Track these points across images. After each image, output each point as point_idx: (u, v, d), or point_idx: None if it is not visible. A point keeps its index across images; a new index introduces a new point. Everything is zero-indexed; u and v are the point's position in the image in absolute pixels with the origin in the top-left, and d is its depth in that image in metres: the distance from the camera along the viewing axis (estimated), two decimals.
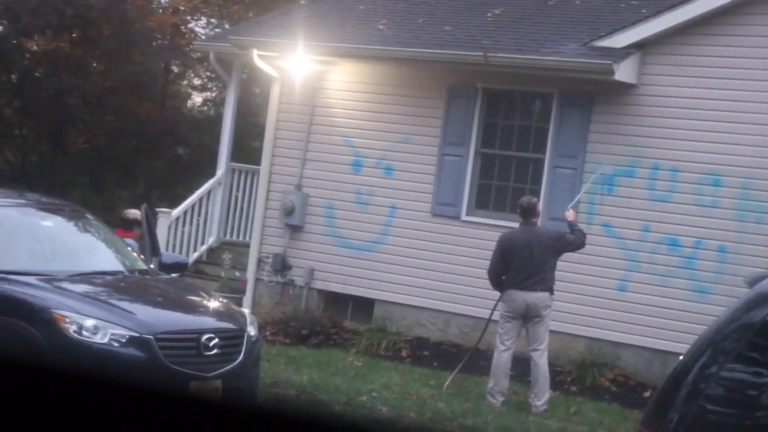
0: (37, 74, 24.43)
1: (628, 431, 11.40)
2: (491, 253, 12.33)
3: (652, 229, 13.89)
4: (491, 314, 12.63)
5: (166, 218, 17.02)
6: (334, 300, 16.16)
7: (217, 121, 22.48)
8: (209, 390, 9.49)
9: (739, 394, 5.33)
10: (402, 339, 15.14)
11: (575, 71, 14.14)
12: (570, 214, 12.52)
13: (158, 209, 17.47)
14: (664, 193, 13.87)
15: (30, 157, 26.46)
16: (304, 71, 16.12)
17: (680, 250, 13.71)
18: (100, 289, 10.14)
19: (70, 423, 2.24)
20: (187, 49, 25.27)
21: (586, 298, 14.15)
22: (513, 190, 14.84)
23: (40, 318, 9.31)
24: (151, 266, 11.04)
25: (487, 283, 12.52)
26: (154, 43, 25.33)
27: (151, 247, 11.31)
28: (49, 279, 9.83)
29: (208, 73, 28.81)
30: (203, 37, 25.43)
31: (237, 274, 17.06)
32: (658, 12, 14.02)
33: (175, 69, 28.89)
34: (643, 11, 14.45)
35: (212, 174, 18.26)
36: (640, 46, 14.03)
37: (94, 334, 9.26)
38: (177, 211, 17.23)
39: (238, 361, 9.78)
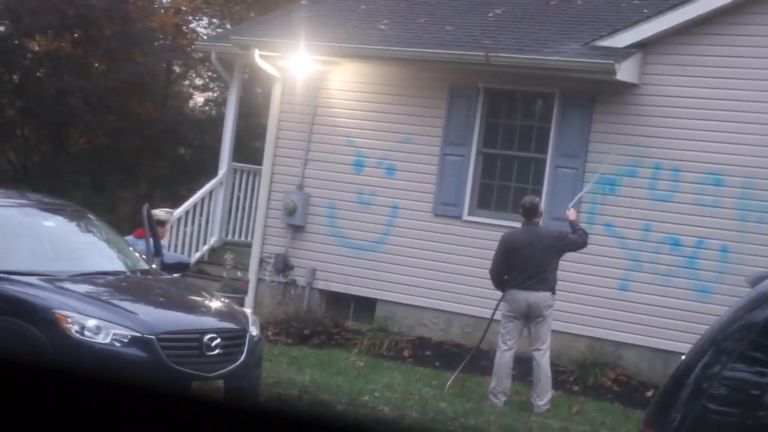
0: (38, 74, 24.45)
1: (630, 431, 11.40)
2: (493, 252, 12.33)
3: (654, 229, 13.89)
4: (493, 314, 12.63)
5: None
6: (336, 300, 16.16)
7: (218, 121, 22.47)
8: (211, 390, 9.49)
9: (741, 393, 5.33)
10: (404, 339, 15.14)
11: (577, 71, 14.14)
12: (571, 214, 12.51)
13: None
14: (666, 192, 13.86)
15: (32, 158, 26.47)
16: (305, 71, 16.12)
17: (682, 250, 13.71)
18: (102, 289, 10.14)
19: (72, 423, 2.24)
20: (189, 49, 25.29)
21: (588, 297, 14.15)
22: (515, 190, 14.84)
23: (42, 318, 9.31)
24: (153, 266, 11.04)
25: (488, 282, 12.52)
26: (155, 43, 25.34)
27: (153, 248, 11.31)
28: (51, 279, 9.83)
29: (209, 73, 28.81)
30: (205, 37, 25.43)
31: (239, 274, 17.06)
32: (659, 12, 14.01)
33: (177, 69, 28.89)
34: (645, 11, 14.44)
35: (214, 174, 18.26)
36: (642, 46, 14.02)
37: (96, 334, 9.26)
38: (179, 211, 17.23)
39: (240, 361, 9.78)
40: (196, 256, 17.47)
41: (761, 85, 13.36)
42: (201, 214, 17.83)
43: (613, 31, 14.23)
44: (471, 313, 14.79)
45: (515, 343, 12.07)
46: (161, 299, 10.50)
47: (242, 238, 18.21)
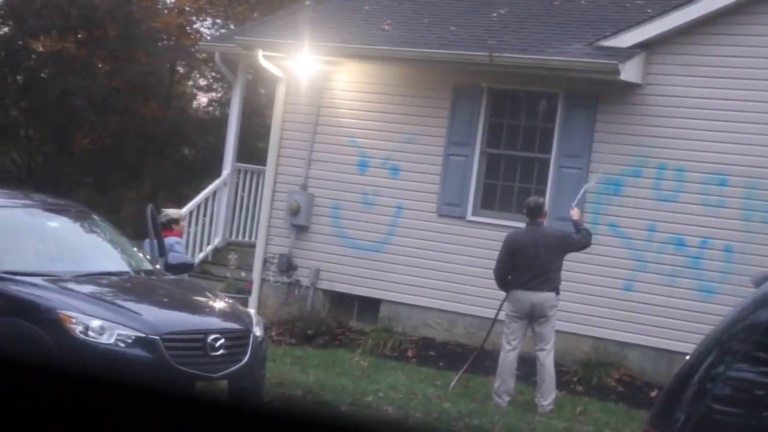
0: (42, 75, 24.47)
1: (634, 431, 11.40)
2: (497, 253, 12.33)
3: (659, 229, 13.88)
4: (497, 314, 12.63)
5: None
6: (340, 300, 16.16)
7: (222, 122, 22.49)
8: (215, 390, 9.49)
9: (746, 393, 5.32)
10: (408, 339, 15.13)
11: (581, 71, 14.13)
12: (575, 213, 12.49)
13: (164, 210, 17.46)
14: (670, 192, 13.85)
15: (36, 158, 26.50)
16: (309, 71, 16.12)
17: (686, 250, 13.70)
18: (106, 289, 10.15)
19: (76, 423, 2.24)
20: (193, 49, 25.30)
21: (592, 297, 14.14)
22: (518, 190, 14.84)
23: (47, 318, 9.32)
24: (157, 267, 11.05)
25: (492, 283, 12.51)
26: (159, 44, 25.35)
27: (156, 248, 11.31)
28: (55, 280, 9.83)
29: (213, 74, 28.84)
30: (208, 38, 25.46)
31: (243, 274, 17.06)
32: (663, 12, 14.00)
33: (181, 69, 28.93)
34: (649, 11, 14.43)
35: (218, 174, 18.26)
36: (646, 46, 14.02)
37: (101, 334, 9.26)
38: (183, 212, 17.19)
39: (244, 361, 9.78)
40: (200, 257, 17.48)
41: (766, 85, 13.34)
42: (205, 215, 17.83)
43: (617, 31, 14.22)
44: (475, 313, 14.79)
45: (519, 344, 12.06)
46: (165, 300, 10.51)
47: (246, 239, 18.21)
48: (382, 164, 15.83)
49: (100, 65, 25.32)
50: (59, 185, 24.38)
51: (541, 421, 11.54)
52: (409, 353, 14.88)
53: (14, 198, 11.75)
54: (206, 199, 17.83)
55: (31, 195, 13.55)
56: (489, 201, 15.21)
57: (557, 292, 12.00)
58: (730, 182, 13.47)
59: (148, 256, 11.24)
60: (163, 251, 11.37)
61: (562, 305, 12.49)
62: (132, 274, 10.76)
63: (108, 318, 9.37)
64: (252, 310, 12.01)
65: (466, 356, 13.87)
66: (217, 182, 18.00)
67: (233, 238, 18.21)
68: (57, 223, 11.21)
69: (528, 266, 11.89)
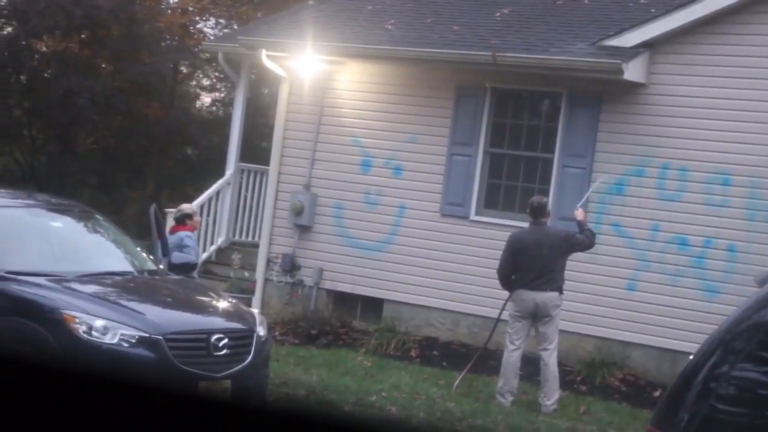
0: (46, 75, 24.48)
1: (637, 431, 11.39)
2: (500, 252, 12.32)
3: (662, 229, 13.87)
4: (500, 314, 12.63)
5: None
6: (343, 300, 16.16)
7: (225, 122, 22.50)
8: (218, 390, 9.49)
9: (749, 393, 5.32)
10: (411, 339, 15.13)
11: (584, 71, 14.12)
12: (579, 214, 12.49)
13: (167, 209, 17.47)
14: (674, 192, 13.84)
15: (39, 158, 26.51)
16: (312, 71, 16.12)
17: (690, 250, 13.69)
18: (109, 289, 10.15)
19: (79, 423, 2.24)
20: (196, 49, 25.29)
21: (596, 297, 14.14)
22: (522, 190, 14.83)
23: (50, 318, 9.32)
24: (161, 267, 11.05)
25: (496, 282, 12.51)
26: (162, 44, 25.35)
27: (160, 248, 11.32)
28: (59, 279, 9.84)
29: (216, 74, 28.85)
30: (212, 38, 25.46)
31: (246, 274, 17.07)
32: (667, 11, 14.00)
33: (184, 69, 28.93)
34: (652, 10, 14.43)
35: (221, 174, 18.26)
36: (649, 46, 14.01)
37: (104, 334, 9.26)
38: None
39: (247, 361, 9.79)
40: (203, 257, 17.47)
41: None
42: (208, 215, 17.83)
43: (621, 31, 14.21)
44: (478, 313, 14.79)
45: (523, 343, 12.06)
46: (169, 299, 10.51)
47: (249, 239, 18.21)
48: (385, 164, 15.83)
49: (103, 65, 25.33)
50: (62, 185, 24.39)
51: (544, 420, 11.54)
52: (413, 353, 14.88)
53: (18, 198, 11.77)
54: (209, 199, 17.84)
55: (35, 195, 13.57)
56: (492, 201, 15.21)
57: (561, 292, 11.99)
58: (733, 182, 13.46)
59: (154, 256, 11.24)
60: (166, 251, 11.38)
61: (566, 305, 12.48)
62: (135, 274, 10.76)
63: (111, 318, 9.37)
64: (255, 310, 12.01)
65: (469, 356, 13.86)
66: (220, 182, 18.01)
67: (236, 238, 18.22)
68: (60, 223, 11.22)
69: (531, 266, 11.89)
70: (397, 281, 15.58)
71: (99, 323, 9.28)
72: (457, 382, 12.77)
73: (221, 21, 28.11)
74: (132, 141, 25.93)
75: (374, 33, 16.04)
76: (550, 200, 13.91)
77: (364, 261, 15.86)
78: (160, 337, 9.33)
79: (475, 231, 15.10)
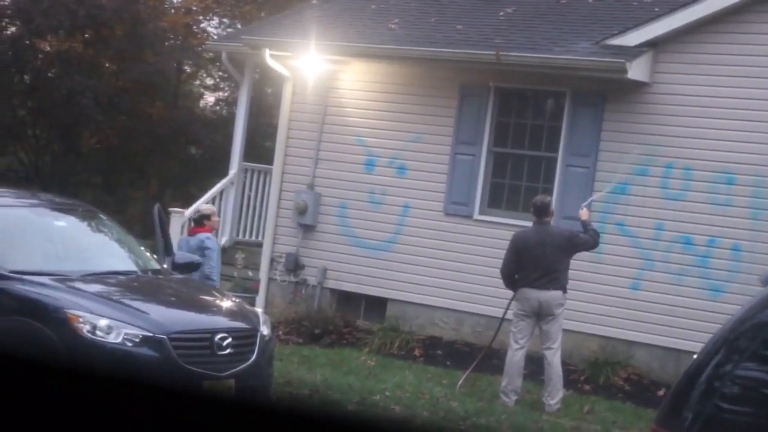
0: (49, 75, 24.50)
1: (641, 430, 11.38)
2: (504, 252, 12.32)
3: (666, 228, 13.86)
4: (504, 313, 12.62)
5: (179, 218, 17.02)
6: (347, 299, 16.16)
7: (229, 121, 22.49)
8: (223, 389, 9.49)
9: (753, 392, 5.31)
10: (415, 338, 15.13)
11: (588, 70, 14.11)
12: (584, 214, 12.48)
13: (171, 209, 17.48)
14: (678, 191, 13.83)
15: (43, 158, 26.53)
16: (316, 71, 16.12)
17: (694, 249, 13.68)
18: (113, 289, 10.15)
19: (83, 422, 2.24)
20: (200, 49, 25.31)
21: (600, 296, 14.13)
22: (526, 189, 14.83)
23: (54, 318, 9.32)
24: (164, 266, 11.06)
25: (500, 282, 12.51)
26: (166, 43, 25.36)
27: (164, 247, 11.33)
28: (63, 279, 9.84)
29: (220, 73, 28.86)
30: (215, 37, 25.47)
31: (250, 273, 17.07)
32: (670, 10, 13.99)
33: (188, 69, 28.94)
34: (656, 9, 14.42)
35: (225, 174, 18.27)
36: (653, 45, 14.00)
37: (108, 333, 9.27)
38: (190, 211, 17.23)
39: (251, 360, 9.79)
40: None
41: None
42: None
43: (624, 30, 14.21)
44: (482, 312, 14.78)
45: (526, 342, 12.06)
46: (172, 299, 10.51)
47: (253, 238, 18.21)
48: (389, 163, 15.83)
49: (107, 65, 25.36)
50: (66, 185, 24.41)
51: (548, 420, 11.54)
52: (416, 352, 14.88)
53: (21, 197, 11.78)
54: (213, 199, 17.83)
55: (39, 194, 13.57)
56: (496, 200, 15.20)
57: (564, 291, 11.99)
58: (737, 181, 13.45)
59: (157, 255, 11.23)
60: (170, 250, 11.38)
61: (570, 304, 12.48)
62: (139, 273, 10.76)
63: (115, 317, 9.37)
64: (259, 310, 12.02)
65: (473, 355, 13.86)
66: (224, 181, 18.01)
67: (240, 237, 18.22)
68: (64, 222, 11.22)
69: (535, 265, 11.89)
70: (400, 280, 15.58)
71: (103, 322, 9.28)
72: (460, 382, 12.77)
73: (225, 20, 28.12)
74: (135, 140, 25.94)
75: (378, 32, 16.04)
76: (554, 200, 13.90)
77: (367, 260, 15.86)
78: (164, 337, 9.34)
79: (479, 230, 15.09)
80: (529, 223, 12.55)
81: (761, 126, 13.36)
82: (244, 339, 9.89)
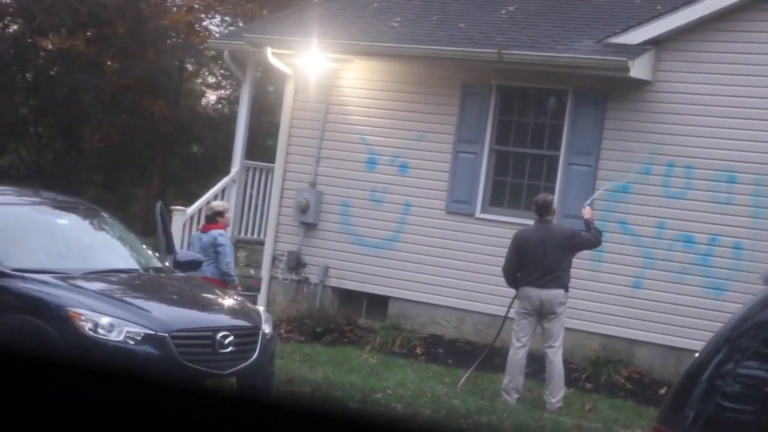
0: (51, 73, 24.51)
1: (643, 428, 11.38)
2: (506, 250, 12.32)
3: (667, 227, 13.86)
4: (507, 312, 12.62)
5: (181, 216, 17.03)
6: (349, 297, 16.16)
7: (231, 119, 22.50)
8: (224, 388, 9.49)
9: (755, 391, 5.31)
10: (416, 336, 15.13)
11: (590, 68, 14.11)
12: (587, 212, 12.47)
13: (173, 207, 17.49)
14: (679, 190, 13.83)
15: (45, 156, 26.55)
16: (318, 69, 16.12)
17: (695, 247, 13.68)
18: (115, 287, 10.16)
19: (85, 421, 2.24)
20: (202, 47, 25.32)
21: (601, 295, 14.13)
22: (527, 188, 14.82)
23: (56, 316, 9.33)
24: (166, 264, 11.06)
25: (501, 280, 12.51)
26: (168, 42, 25.38)
27: (165, 245, 11.33)
28: (65, 277, 9.84)
29: (222, 71, 28.86)
30: (217, 35, 25.47)
31: (252, 271, 17.08)
32: (673, 8, 13.98)
33: (190, 67, 28.95)
34: (658, 8, 14.41)
35: (227, 172, 18.27)
36: (656, 43, 14.00)
37: (110, 331, 9.27)
38: (192, 209, 17.25)
39: (253, 358, 9.79)
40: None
41: None
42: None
43: (627, 28, 14.20)
44: (484, 310, 14.79)
45: (528, 341, 12.05)
46: (174, 297, 10.52)
47: (255, 236, 18.22)
48: (390, 161, 15.83)
49: (109, 63, 25.36)
50: (68, 183, 24.43)
51: (549, 418, 11.54)
52: (418, 350, 14.88)
53: (23, 195, 11.79)
54: (215, 197, 17.82)
55: (41, 192, 13.58)
56: (498, 198, 15.20)
57: (566, 290, 11.99)
58: (739, 179, 13.45)
59: (159, 254, 11.23)
60: (171, 248, 11.39)
61: (571, 302, 12.47)
62: (141, 271, 10.77)
63: (117, 315, 9.38)
64: (261, 308, 12.03)
65: (474, 353, 13.87)
66: (225, 180, 18.01)
67: (242, 235, 18.22)
68: (66, 220, 11.23)
69: (536, 263, 11.88)
70: (402, 279, 15.58)
71: (105, 320, 9.29)
72: (462, 380, 12.77)
73: (227, 18, 28.12)
74: (137, 139, 25.95)
75: (380, 30, 16.04)
76: (556, 198, 13.90)
77: (369, 258, 15.86)
78: (166, 335, 9.34)
79: (481, 228, 15.09)
80: (531, 222, 12.54)
81: (763, 125, 13.35)
82: (246, 337, 9.89)
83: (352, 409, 10.91)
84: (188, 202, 18.38)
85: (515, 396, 12.03)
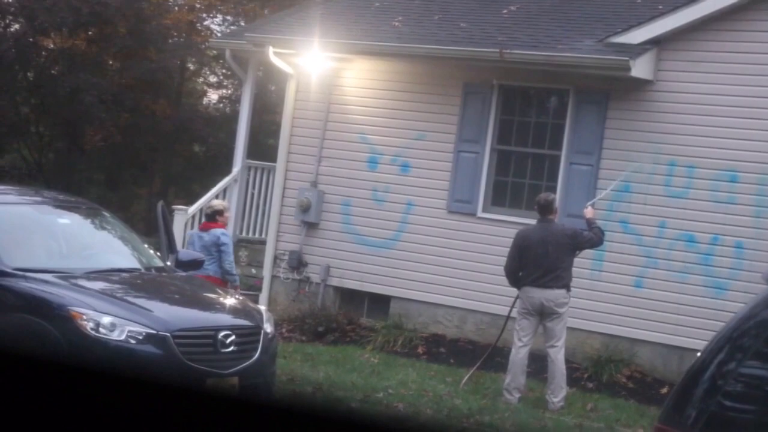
0: (53, 72, 24.53)
1: (645, 428, 11.38)
2: (507, 249, 12.32)
3: (669, 226, 13.86)
4: (509, 312, 12.62)
5: (182, 215, 17.04)
6: (350, 297, 16.17)
7: (232, 119, 22.51)
8: (226, 387, 9.49)
9: (757, 390, 5.31)
10: (418, 336, 15.13)
11: (591, 68, 14.11)
12: (589, 212, 12.48)
13: (174, 206, 17.49)
14: (681, 189, 13.83)
15: (47, 155, 26.56)
16: (319, 68, 16.12)
17: (697, 247, 13.68)
18: (116, 286, 10.16)
19: (86, 420, 2.24)
20: (203, 46, 25.34)
21: (603, 294, 14.12)
22: (529, 187, 14.82)
23: (58, 315, 9.33)
24: (168, 263, 11.06)
25: (503, 280, 12.51)
26: (169, 41, 25.39)
27: (167, 245, 11.33)
28: (66, 276, 9.84)
29: (223, 71, 28.87)
30: (219, 35, 25.47)
31: (253, 271, 17.08)
32: (674, 8, 13.98)
33: (191, 66, 28.96)
34: (660, 7, 14.41)
35: (228, 171, 18.27)
36: (657, 42, 13.99)
37: (111, 331, 9.27)
38: (193, 209, 17.25)
39: (254, 358, 9.79)
40: None
41: None
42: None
43: (628, 28, 14.20)
44: (485, 310, 14.79)
45: (530, 340, 12.05)
46: (176, 296, 10.51)
47: (256, 236, 18.22)
48: (392, 161, 15.83)
49: (110, 62, 25.39)
50: (70, 182, 24.44)
51: (551, 417, 11.54)
52: (420, 350, 14.88)
53: (25, 195, 11.79)
54: (216, 196, 17.82)
55: (42, 192, 13.59)
56: (499, 198, 15.20)
57: (568, 289, 11.98)
58: (740, 179, 13.44)
59: (161, 253, 11.23)
60: (173, 248, 11.38)
61: (573, 302, 12.47)
62: (143, 270, 10.77)
63: (119, 315, 9.38)
64: (262, 307, 12.02)
65: (476, 353, 13.87)
66: (227, 179, 18.01)
67: (243, 235, 18.22)
68: (68, 219, 11.23)
69: (537, 263, 11.88)
70: (404, 278, 15.58)
71: (106, 320, 9.29)
72: (464, 379, 12.77)
73: (228, 18, 28.13)
74: (139, 138, 25.97)
75: (382, 30, 16.04)
76: (558, 197, 13.90)
77: (371, 258, 15.86)
78: (168, 334, 9.34)
79: (482, 228, 15.09)
80: (533, 221, 12.54)
81: (764, 124, 13.35)
82: (248, 336, 9.89)
83: (354, 408, 10.92)
84: (190, 202, 18.39)
85: (517, 395, 12.03)
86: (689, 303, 13.61)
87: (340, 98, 16.31)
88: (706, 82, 13.75)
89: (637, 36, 14.01)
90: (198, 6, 26.82)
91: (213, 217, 13.33)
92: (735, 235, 13.44)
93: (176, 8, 26.71)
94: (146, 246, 11.44)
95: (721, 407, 5.21)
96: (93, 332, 9.23)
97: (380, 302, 15.83)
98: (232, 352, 9.65)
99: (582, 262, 13.04)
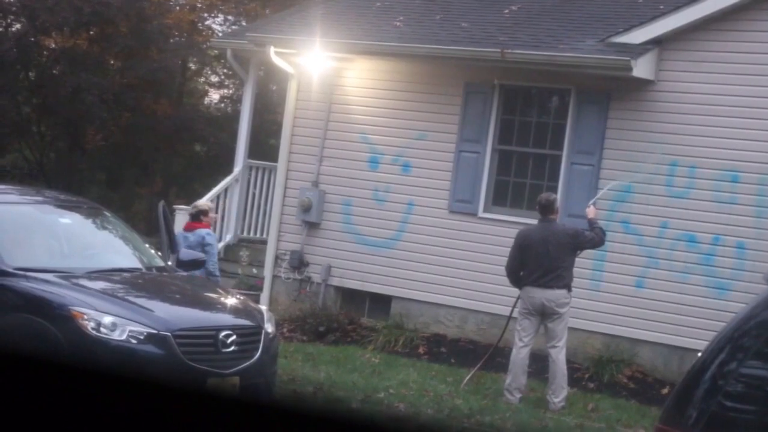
0: (54, 72, 24.53)
1: (646, 428, 11.38)
2: (509, 249, 12.32)
3: (670, 226, 13.86)
4: (511, 312, 12.62)
5: (183, 215, 17.03)
6: (352, 297, 16.17)
7: (234, 119, 22.51)
8: (227, 387, 9.50)
9: (758, 390, 5.31)
10: (419, 336, 15.13)
11: (592, 67, 14.10)
12: (590, 212, 12.47)
13: (175, 206, 17.49)
14: (682, 189, 13.83)
15: (48, 155, 26.56)
16: (321, 68, 16.12)
17: (698, 247, 13.67)
18: (117, 286, 10.16)
19: (87, 420, 2.24)
20: (204, 46, 25.34)
21: (604, 294, 14.12)
22: (530, 187, 14.82)
23: (59, 315, 9.33)
24: (169, 263, 11.06)
25: (504, 279, 12.51)
26: (171, 41, 25.40)
27: (168, 245, 11.34)
28: (67, 276, 9.85)
29: (225, 71, 28.86)
30: (220, 35, 25.47)
31: (254, 271, 17.08)
32: (676, 8, 13.97)
33: (192, 66, 28.96)
34: (661, 7, 14.41)
35: (229, 171, 18.27)
36: (658, 42, 13.99)
37: (112, 331, 9.28)
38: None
39: (255, 358, 9.79)
40: None
41: None
42: (216, 212, 17.82)
43: (629, 28, 14.19)
44: (486, 310, 14.79)
45: (531, 340, 12.05)
46: (177, 296, 10.52)
47: (257, 235, 18.22)
48: (393, 161, 15.83)
49: (112, 62, 25.39)
50: (71, 182, 24.45)
51: (552, 418, 11.54)
52: (421, 350, 14.88)
53: (26, 194, 11.80)
54: (218, 196, 17.84)
55: (43, 191, 13.60)
56: (500, 197, 15.20)
57: (569, 290, 11.98)
58: (742, 179, 13.44)
59: (162, 253, 11.23)
60: (174, 248, 11.38)
61: (574, 302, 12.47)
62: (144, 270, 10.78)
63: (120, 314, 9.38)
64: (263, 307, 12.02)
65: (477, 353, 13.87)
66: (228, 179, 18.01)
67: (245, 234, 18.23)
68: (69, 219, 11.23)
69: (538, 263, 11.88)
70: (405, 278, 15.58)
71: (107, 320, 9.29)
72: (466, 380, 12.77)
73: (229, 18, 28.13)
74: (140, 138, 25.97)
75: (383, 30, 16.04)
76: (559, 197, 13.89)
77: (372, 258, 15.86)
78: (169, 334, 9.34)
79: (484, 228, 15.09)
80: (534, 221, 12.54)
81: (766, 124, 13.34)
82: (249, 336, 9.89)
83: (355, 408, 10.92)
84: (191, 201, 18.36)
85: (518, 396, 12.03)
86: (690, 303, 13.61)
87: (342, 98, 16.32)
88: (708, 82, 13.74)
89: (638, 36, 14.01)
90: (199, 5, 26.82)
91: (198, 217, 13.31)
92: (736, 236, 13.43)
93: (177, 8, 26.70)
94: (147, 246, 11.45)
95: (722, 407, 5.21)
96: (94, 332, 9.23)
97: (381, 302, 15.83)
98: (233, 352, 9.65)
99: (583, 262, 13.04)
